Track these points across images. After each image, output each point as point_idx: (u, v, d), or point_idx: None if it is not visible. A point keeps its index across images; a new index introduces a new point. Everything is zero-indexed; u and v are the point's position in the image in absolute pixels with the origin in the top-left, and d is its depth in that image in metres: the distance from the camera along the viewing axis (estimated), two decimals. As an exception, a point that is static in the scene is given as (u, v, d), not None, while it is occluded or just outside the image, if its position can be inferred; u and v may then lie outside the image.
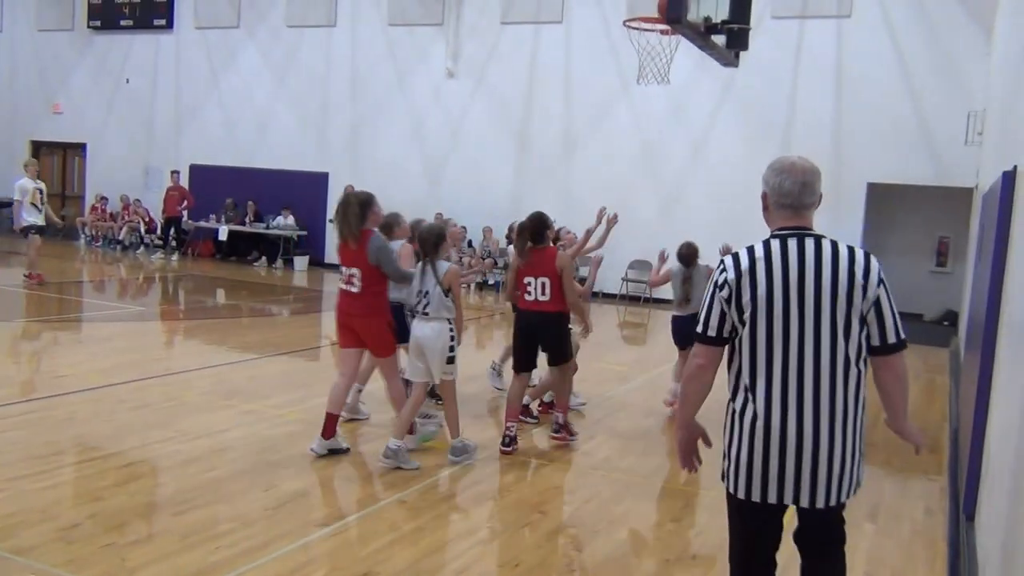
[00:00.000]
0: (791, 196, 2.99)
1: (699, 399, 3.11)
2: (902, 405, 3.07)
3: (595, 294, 17.32)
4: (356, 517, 4.88)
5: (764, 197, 3.09)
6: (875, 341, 2.95)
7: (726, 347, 3.04)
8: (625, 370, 10.03)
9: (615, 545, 4.76)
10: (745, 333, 2.93)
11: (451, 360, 5.88)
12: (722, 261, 3.01)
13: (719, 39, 8.76)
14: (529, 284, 6.45)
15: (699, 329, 3.02)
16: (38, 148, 24.39)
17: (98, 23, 22.80)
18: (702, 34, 8.39)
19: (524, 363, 6.59)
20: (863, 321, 2.91)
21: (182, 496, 5.02)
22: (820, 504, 2.92)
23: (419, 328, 5.87)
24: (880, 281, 2.94)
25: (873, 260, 2.98)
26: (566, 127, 17.93)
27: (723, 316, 2.96)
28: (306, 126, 20.48)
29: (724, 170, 16.35)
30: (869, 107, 15.37)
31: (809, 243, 2.94)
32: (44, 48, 23.77)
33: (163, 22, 21.99)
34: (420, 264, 5.87)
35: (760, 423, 2.90)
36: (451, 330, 5.87)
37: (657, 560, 4.57)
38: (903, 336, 2.99)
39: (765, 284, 2.89)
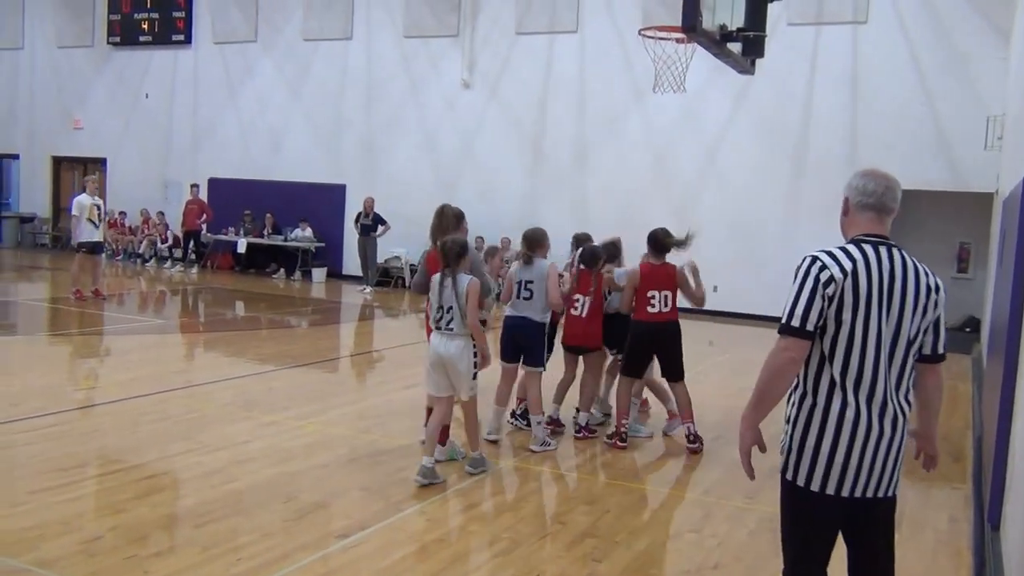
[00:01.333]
0: (875, 195, 3.14)
1: (780, 396, 3.10)
2: (937, 411, 3.31)
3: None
4: (375, 528, 4.88)
5: (845, 201, 3.20)
6: (927, 350, 3.15)
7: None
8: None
9: (635, 555, 4.74)
10: (843, 332, 3.01)
11: (474, 376, 5.84)
12: (817, 259, 3.03)
13: (735, 47, 8.74)
14: (653, 297, 6.92)
15: (795, 323, 2.99)
16: (59, 163, 24.67)
17: (117, 39, 23.04)
18: (717, 42, 8.38)
19: (638, 370, 7.13)
20: (926, 331, 3.11)
21: (203, 508, 5.04)
22: (889, 493, 3.18)
23: (443, 345, 5.72)
24: (943, 297, 3.15)
25: (938, 277, 3.18)
26: (579, 137, 17.94)
27: (821, 311, 3.00)
28: (322, 138, 20.60)
29: (737, 178, 16.29)
30: (886, 113, 15.29)
31: (895, 252, 3.10)
32: (64, 64, 24.04)
33: (181, 38, 22.20)
34: (440, 277, 5.74)
35: (851, 415, 3.02)
36: (473, 346, 5.79)
37: (677, 571, 4.54)
38: (947, 348, 3.20)
39: (866, 287, 3.01)
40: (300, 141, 20.81)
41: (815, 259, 3.03)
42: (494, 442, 6.73)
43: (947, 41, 14.88)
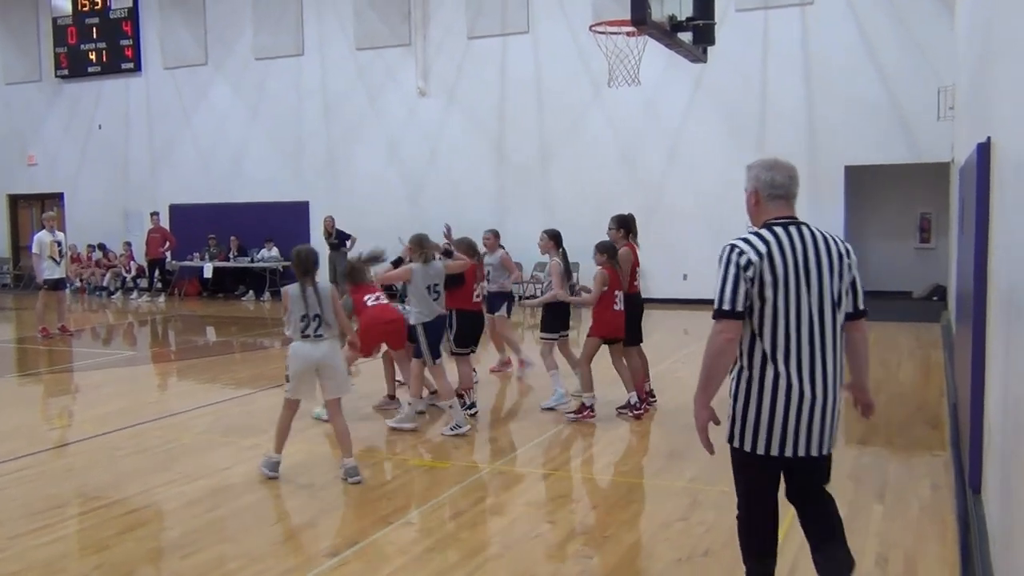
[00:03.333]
0: (783, 187, 3.47)
1: (724, 374, 3.40)
2: (866, 361, 3.65)
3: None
4: (364, 544, 4.85)
5: (754, 194, 3.50)
6: (850, 308, 3.47)
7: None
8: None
9: (626, 549, 4.75)
10: (767, 309, 3.31)
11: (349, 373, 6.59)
12: (735, 246, 3.33)
13: (685, 36, 8.81)
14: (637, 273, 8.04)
15: (725, 307, 3.29)
16: (15, 201, 24.31)
17: (66, 72, 22.77)
18: (668, 33, 8.45)
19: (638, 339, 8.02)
20: (846, 292, 3.43)
21: (188, 538, 4.98)
22: (825, 451, 3.45)
23: (315, 350, 5.90)
24: (854, 259, 3.50)
25: (847, 244, 3.52)
26: (542, 136, 17.99)
27: (747, 293, 3.30)
28: (282, 156, 20.48)
29: (702, 166, 16.42)
30: (840, 91, 15.48)
31: (804, 230, 3.41)
32: (14, 101, 23.70)
33: (131, 65, 21.99)
34: (301, 289, 5.87)
35: (783, 384, 3.31)
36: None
37: (669, 560, 4.56)
38: (866, 304, 3.57)
39: (782, 265, 3.30)
40: (260, 161, 20.67)
41: (733, 247, 3.34)
42: (460, 435, 7.12)
43: (894, 15, 15.10)
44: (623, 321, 7.69)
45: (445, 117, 18.80)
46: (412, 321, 7.31)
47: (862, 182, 16.28)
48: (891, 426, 7.40)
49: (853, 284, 3.46)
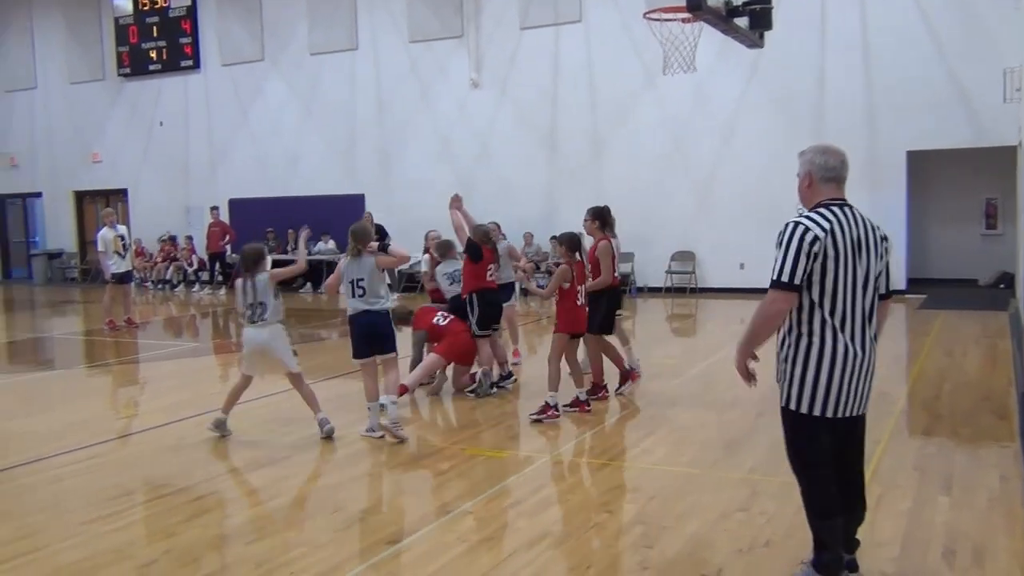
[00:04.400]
0: (836, 170, 3.78)
1: (768, 338, 3.80)
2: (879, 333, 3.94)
3: (640, 288, 17.27)
4: (424, 532, 4.90)
5: (808, 176, 3.81)
6: (882, 290, 3.86)
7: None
8: (675, 363, 9.95)
9: (685, 540, 4.72)
10: (828, 281, 3.63)
11: (295, 353, 6.96)
12: (800, 223, 3.63)
13: (742, 21, 8.69)
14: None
15: (784, 279, 3.62)
16: (81, 198, 24.97)
17: (127, 70, 23.29)
18: (724, 18, 8.34)
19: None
20: (880, 274, 3.81)
21: (252, 526, 5.08)
22: (864, 410, 3.85)
23: (259, 335, 6.83)
24: (891, 244, 3.92)
25: (884, 230, 3.88)
26: (593, 127, 17.90)
27: (806, 268, 3.62)
28: (336, 151, 20.70)
29: (755, 154, 16.18)
30: (900, 75, 15.12)
31: (856, 211, 3.76)
32: (77, 100, 24.32)
33: (190, 63, 22.40)
34: (243, 282, 6.82)
35: (842, 349, 3.66)
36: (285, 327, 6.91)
37: (729, 551, 4.52)
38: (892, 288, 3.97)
39: (842, 241, 3.64)
40: (315, 155, 20.93)
41: (798, 224, 3.65)
42: (380, 437, 6.80)
43: (956, -4, 14.69)
44: (586, 315, 7.67)
45: (496, 109, 18.81)
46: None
47: (924, 167, 15.90)
48: (956, 416, 7.23)
49: (887, 268, 3.84)
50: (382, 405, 6.89)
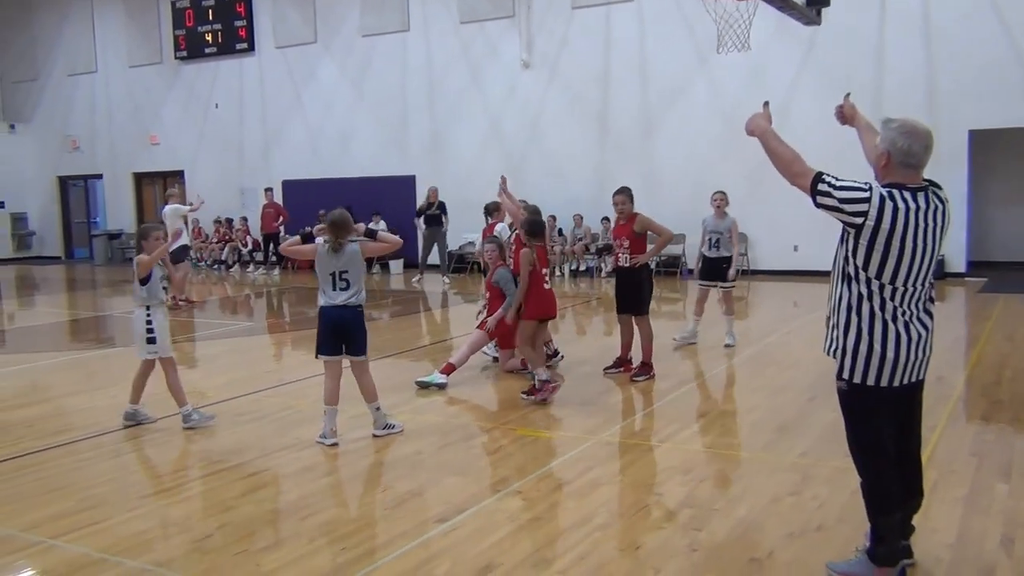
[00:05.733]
0: (917, 158, 3.62)
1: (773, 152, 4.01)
2: None
3: (690, 271, 17.08)
4: (473, 511, 4.94)
5: (886, 155, 3.65)
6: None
7: (848, 264, 3.72)
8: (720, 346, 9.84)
9: (735, 522, 4.69)
10: (891, 256, 3.57)
11: (151, 340, 6.79)
12: (879, 191, 3.56)
13: (798, -2, 8.52)
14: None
15: (821, 186, 3.64)
16: (140, 179, 25.50)
17: (184, 53, 23.67)
18: (780, -5, 8.18)
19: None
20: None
21: (305, 501, 5.18)
22: (923, 376, 3.83)
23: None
24: (951, 208, 3.82)
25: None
26: (644, 107, 17.73)
27: (846, 199, 3.57)
28: (387, 132, 20.82)
29: (811, 135, 15.79)
30: (962, 53, 14.70)
31: (932, 197, 3.64)
32: (136, 83, 24.81)
33: (245, 46, 22.68)
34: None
35: (904, 321, 3.68)
36: (148, 314, 6.78)
37: (780, 535, 4.48)
38: None
39: (903, 221, 3.53)
40: (367, 136, 21.08)
41: (875, 189, 3.56)
42: (333, 445, 6.25)
43: (1024, -30, 14.21)
44: (553, 299, 7.81)
45: (547, 90, 18.73)
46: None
47: (988, 147, 15.47)
48: (1017, 401, 7.06)
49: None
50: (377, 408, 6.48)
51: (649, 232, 8.16)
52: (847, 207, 3.55)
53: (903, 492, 3.81)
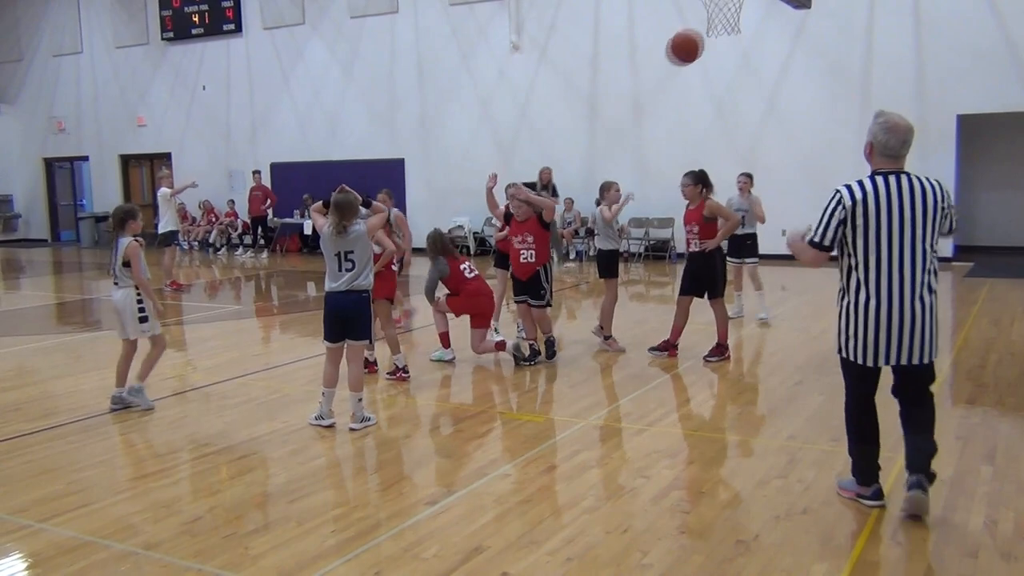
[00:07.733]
0: (894, 149, 4.23)
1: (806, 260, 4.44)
2: None
3: (680, 255, 17.11)
4: (462, 494, 4.96)
5: (869, 145, 4.28)
6: (944, 229, 4.31)
7: (838, 253, 4.36)
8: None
9: (723, 505, 4.73)
10: (860, 244, 4.19)
11: (143, 320, 6.79)
12: (838, 191, 4.24)
13: (788, -18, 8.49)
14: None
15: (815, 239, 4.32)
16: (127, 161, 25.31)
17: (171, 34, 23.46)
18: (770, -22, 8.14)
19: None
20: (943, 220, 4.26)
21: (294, 484, 5.18)
22: (915, 361, 4.28)
23: (113, 294, 6.87)
24: (947, 192, 4.30)
25: (944, 186, 4.30)
26: (635, 91, 17.69)
27: (836, 230, 4.25)
28: (376, 115, 20.72)
29: (801, 119, 15.88)
30: (952, 37, 14.71)
31: (904, 179, 4.20)
32: (122, 64, 24.58)
33: (232, 27, 22.49)
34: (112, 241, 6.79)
35: (874, 307, 4.20)
36: (138, 294, 6.74)
37: (767, 517, 4.51)
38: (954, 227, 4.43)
39: (875, 207, 4.14)
40: (356, 119, 20.96)
41: (837, 191, 4.26)
42: (329, 426, 6.24)
43: (1013, -46, 14.21)
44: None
45: (536, 73, 18.66)
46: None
47: (976, 132, 15.52)
48: (1002, 385, 7.12)
49: (948, 214, 4.25)
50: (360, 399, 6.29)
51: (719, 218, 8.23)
52: (833, 219, 4.24)
53: (873, 431, 4.49)
